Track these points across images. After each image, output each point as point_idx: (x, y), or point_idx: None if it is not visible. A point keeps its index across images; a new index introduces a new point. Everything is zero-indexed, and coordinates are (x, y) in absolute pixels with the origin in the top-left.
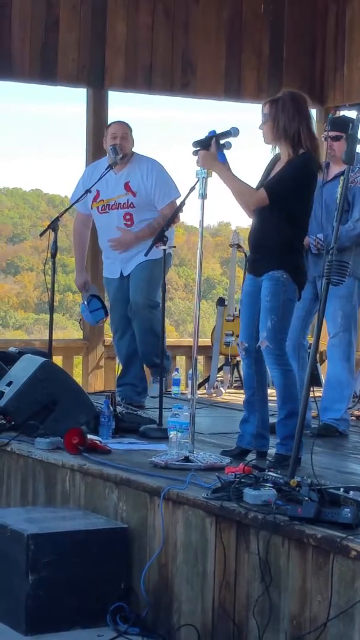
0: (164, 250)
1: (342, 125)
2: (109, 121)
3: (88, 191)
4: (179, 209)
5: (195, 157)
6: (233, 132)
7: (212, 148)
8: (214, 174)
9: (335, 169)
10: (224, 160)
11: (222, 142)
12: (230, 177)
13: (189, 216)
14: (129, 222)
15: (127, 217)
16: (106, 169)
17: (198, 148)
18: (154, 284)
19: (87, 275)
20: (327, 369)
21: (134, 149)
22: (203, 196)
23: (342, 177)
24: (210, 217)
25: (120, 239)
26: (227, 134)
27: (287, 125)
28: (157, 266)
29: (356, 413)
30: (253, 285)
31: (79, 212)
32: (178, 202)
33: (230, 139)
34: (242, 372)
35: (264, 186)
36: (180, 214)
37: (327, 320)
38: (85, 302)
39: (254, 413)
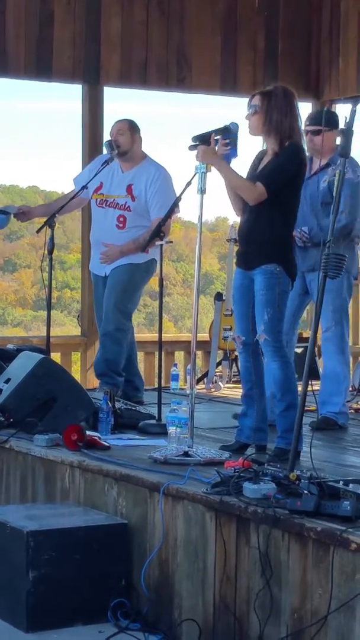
0: (161, 245)
1: (322, 120)
2: (105, 117)
3: (85, 187)
4: (175, 204)
5: (193, 152)
6: (232, 127)
7: (211, 143)
8: (213, 169)
9: (317, 163)
10: (235, 155)
11: (217, 137)
12: (230, 173)
13: (186, 211)
14: (121, 225)
15: (121, 219)
16: (102, 165)
17: (197, 143)
18: (130, 290)
19: (31, 212)
20: (323, 363)
21: (144, 150)
22: (202, 191)
23: (334, 171)
24: (207, 212)
25: (106, 253)
26: (226, 129)
27: (279, 120)
28: (138, 272)
29: (355, 406)
30: (243, 279)
31: (77, 194)
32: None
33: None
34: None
35: (259, 180)
36: (176, 209)
37: None
38: None
39: (253, 407)
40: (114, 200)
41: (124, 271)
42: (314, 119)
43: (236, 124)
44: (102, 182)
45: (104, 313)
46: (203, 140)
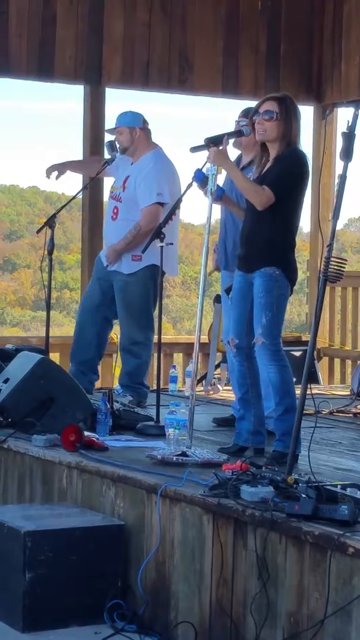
0: (162, 247)
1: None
2: (106, 118)
3: (85, 188)
4: (175, 206)
5: (192, 154)
6: (245, 131)
7: (223, 146)
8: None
9: (244, 160)
10: (220, 193)
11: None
12: (240, 177)
13: (186, 213)
14: (114, 216)
15: (115, 210)
16: (102, 166)
17: (201, 144)
18: (133, 304)
19: (64, 169)
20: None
21: (156, 142)
22: (212, 193)
23: (339, 175)
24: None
25: (107, 256)
26: (239, 132)
27: (295, 129)
28: (136, 283)
29: (354, 410)
30: (243, 282)
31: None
32: (163, 208)
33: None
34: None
35: (267, 185)
36: (178, 211)
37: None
38: None
39: (250, 410)
40: (115, 192)
41: (120, 284)
42: (245, 115)
43: (248, 128)
44: (115, 177)
45: (120, 326)
46: (215, 142)
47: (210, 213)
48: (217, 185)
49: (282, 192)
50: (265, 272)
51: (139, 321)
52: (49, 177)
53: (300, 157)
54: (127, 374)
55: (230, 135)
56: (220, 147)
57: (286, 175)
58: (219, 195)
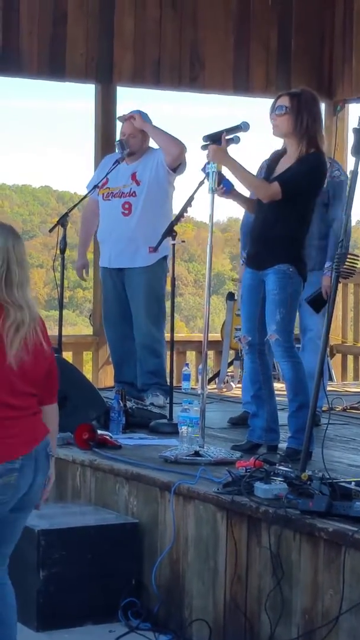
0: (173, 245)
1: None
2: (118, 116)
3: (96, 186)
4: (187, 204)
5: (204, 152)
6: (243, 126)
7: (222, 142)
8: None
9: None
10: (229, 188)
11: (230, 136)
12: (242, 172)
13: (198, 211)
14: (126, 212)
15: (126, 205)
16: (113, 164)
17: (208, 142)
18: (154, 297)
19: (87, 261)
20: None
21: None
22: (213, 191)
23: (350, 171)
24: (219, 213)
25: (135, 117)
26: (237, 128)
27: (309, 124)
28: (154, 277)
29: None
30: (253, 279)
31: (90, 198)
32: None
33: (240, 134)
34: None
35: (277, 180)
36: (189, 208)
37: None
38: None
39: (263, 407)
40: (119, 190)
41: (140, 279)
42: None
43: (247, 123)
44: (108, 178)
45: (135, 324)
46: (214, 139)
47: (212, 210)
48: (226, 180)
49: (294, 192)
50: (278, 269)
51: (157, 316)
52: (85, 278)
53: (318, 164)
54: (149, 373)
55: (228, 131)
56: (221, 145)
57: (301, 176)
58: (228, 190)
